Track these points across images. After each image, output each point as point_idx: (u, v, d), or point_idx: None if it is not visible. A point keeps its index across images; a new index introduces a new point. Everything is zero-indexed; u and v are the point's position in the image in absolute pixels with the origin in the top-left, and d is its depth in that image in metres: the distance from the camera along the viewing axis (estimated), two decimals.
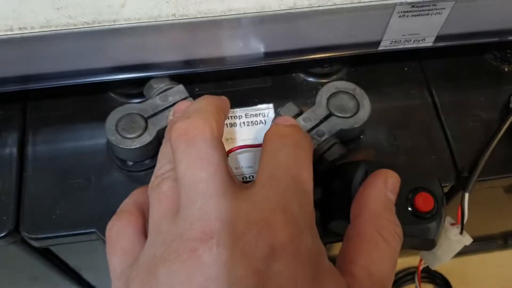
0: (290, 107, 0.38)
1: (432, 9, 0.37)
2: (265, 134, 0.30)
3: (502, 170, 0.40)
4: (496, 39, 0.41)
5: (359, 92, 0.39)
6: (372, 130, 0.41)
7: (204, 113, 0.29)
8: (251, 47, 0.38)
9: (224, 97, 0.33)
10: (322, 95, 0.39)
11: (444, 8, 0.37)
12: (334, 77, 0.43)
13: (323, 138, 0.37)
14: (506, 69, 0.45)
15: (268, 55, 0.39)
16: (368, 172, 0.32)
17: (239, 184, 0.27)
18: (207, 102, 0.31)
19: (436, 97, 0.43)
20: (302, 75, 0.44)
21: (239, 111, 0.41)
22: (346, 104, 0.39)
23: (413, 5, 0.36)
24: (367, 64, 0.44)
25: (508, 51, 0.45)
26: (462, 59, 0.45)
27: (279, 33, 0.38)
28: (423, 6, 0.36)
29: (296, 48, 0.39)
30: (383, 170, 0.32)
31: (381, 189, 0.31)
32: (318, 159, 0.36)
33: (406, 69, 0.44)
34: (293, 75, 0.44)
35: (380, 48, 0.40)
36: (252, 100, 0.42)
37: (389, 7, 0.36)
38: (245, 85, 0.43)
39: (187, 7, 0.34)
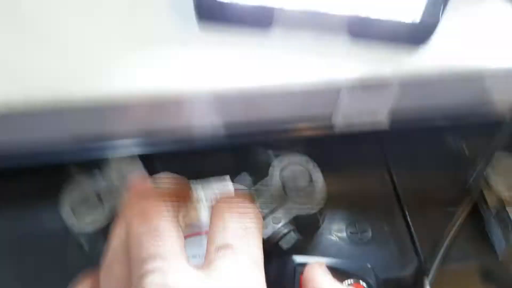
0: (243, 177, 0.39)
1: (381, 85, 0.37)
2: (213, 207, 0.30)
3: (465, 257, 0.40)
4: (450, 120, 0.42)
5: (313, 168, 0.39)
6: (331, 218, 0.41)
7: (161, 192, 0.30)
8: (205, 123, 0.39)
9: (184, 181, 0.34)
10: (274, 167, 0.39)
11: (392, 84, 0.38)
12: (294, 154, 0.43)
13: (279, 224, 0.37)
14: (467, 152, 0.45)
15: (222, 130, 0.40)
16: (297, 268, 0.32)
17: (190, 262, 0.27)
18: (166, 181, 0.31)
19: (397, 182, 0.43)
20: (262, 150, 0.44)
21: (197, 186, 0.41)
22: (299, 181, 0.39)
23: (360, 80, 0.37)
24: (327, 148, 0.44)
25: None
26: (424, 142, 0.45)
27: (229, 111, 0.38)
28: (371, 80, 0.37)
29: (253, 125, 0.40)
30: (316, 262, 0.32)
31: (328, 277, 0.30)
32: (274, 246, 0.37)
33: (367, 152, 0.45)
34: (253, 149, 0.44)
35: (335, 125, 0.41)
36: (210, 175, 0.42)
37: (334, 82, 0.36)
38: (204, 160, 0.43)
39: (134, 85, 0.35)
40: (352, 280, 0.31)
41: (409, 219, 0.40)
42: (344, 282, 0.31)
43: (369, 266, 0.32)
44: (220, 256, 0.27)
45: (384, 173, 0.43)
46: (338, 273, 0.31)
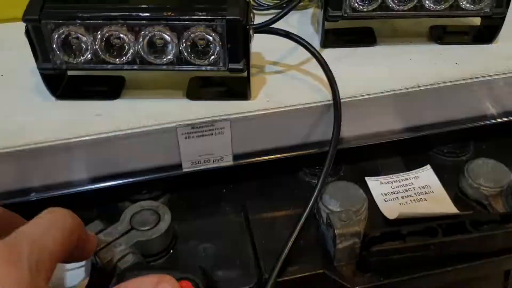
0: (95, 224, 0.42)
1: (213, 129, 0.43)
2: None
3: (306, 267, 0.42)
4: (293, 154, 0.47)
5: (162, 208, 0.43)
6: (183, 245, 0.44)
7: None
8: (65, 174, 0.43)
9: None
10: (126, 214, 0.42)
11: (223, 128, 0.43)
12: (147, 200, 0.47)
13: (119, 249, 0.39)
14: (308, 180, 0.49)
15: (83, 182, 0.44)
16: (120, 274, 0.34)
17: None
18: None
19: (249, 213, 0.46)
20: (127, 203, 0.47)
21: None
22: (147, 219, 0.42)
23: (192, 126, 0.42)
24: (189, 189, 0.48)
25: (317, 167, 0.50)
26: (279, 178, 0.50)
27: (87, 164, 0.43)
28: (203, 126, 0.42)
29: (106, 174, 0.44)
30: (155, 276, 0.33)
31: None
32: (113, 268, 0.39)
33: (224, 190, 0.49)
34: (119, 204, 0.47)
35: (184, 169, 0.45)
36: None
37: (170, 130, 0.42)
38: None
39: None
40: (180, 279, 0.33)
41: (256, 243, 0.43)
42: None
43: (199, 267, 0.34)
44: (14, 242, 0.28)
45: (238, 207, 0.47)
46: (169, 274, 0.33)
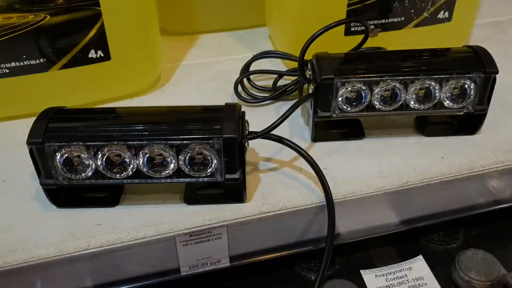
0: None
1: (210, 235, 0.44)
2: None
3: None
4: (284, 253, 0.48)
5: None
6: None
7: None
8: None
9: None
10: None
11: (221, 233, 0.44)
12: None
13: None
14: (313, 277, 0.50)
15: None
16: None
17: None
18: None
19: None
20: None
21: None
22: None
23: (190, 234, 0.43)
24: None
25: (312, 261, 0.51)
26: (274, 273, 0.51)
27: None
28: (200, 234, 0.44)
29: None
30: None
31: None
32: None
33: None
34: None
35: (183, 273, 0.46)
36: None
37: (169, 239, 0.43)
38: None
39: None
40: None
41: None
42: None
43: None
44: None
45: None
46: None
